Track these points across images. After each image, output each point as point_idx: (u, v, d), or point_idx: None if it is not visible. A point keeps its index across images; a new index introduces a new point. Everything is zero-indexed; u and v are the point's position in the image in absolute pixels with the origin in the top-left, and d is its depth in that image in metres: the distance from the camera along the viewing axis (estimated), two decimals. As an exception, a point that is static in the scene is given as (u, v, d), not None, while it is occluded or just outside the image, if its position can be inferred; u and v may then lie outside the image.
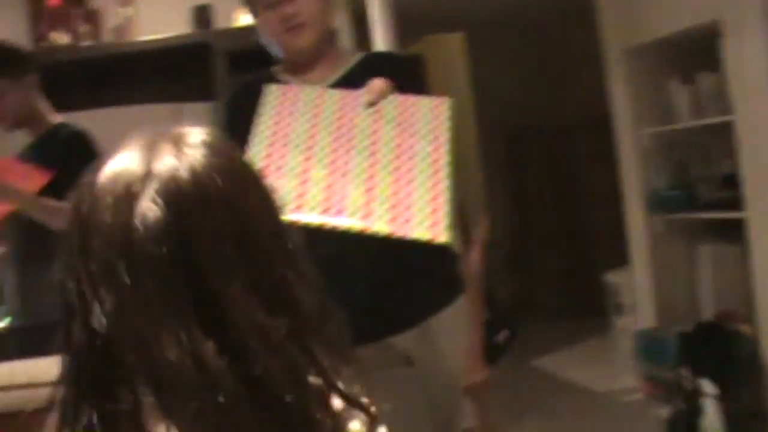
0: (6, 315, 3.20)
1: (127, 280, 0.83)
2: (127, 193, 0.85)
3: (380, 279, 2.03)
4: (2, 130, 2.99)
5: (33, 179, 2.74)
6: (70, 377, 0.86)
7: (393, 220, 1.66)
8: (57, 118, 3.03)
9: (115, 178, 0.87)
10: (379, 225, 1.66)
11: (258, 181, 0.94)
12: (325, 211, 1.67)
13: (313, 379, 0.87)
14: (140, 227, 0.83)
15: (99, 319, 0.84)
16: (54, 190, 2.72)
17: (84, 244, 0.86)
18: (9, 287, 2.99)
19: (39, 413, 1.68)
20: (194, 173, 0.86)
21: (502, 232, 7.04)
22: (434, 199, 1.70)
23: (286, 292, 0.88)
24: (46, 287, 2.75)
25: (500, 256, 7.12)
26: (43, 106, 3.00)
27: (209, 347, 0.81)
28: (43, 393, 1.66)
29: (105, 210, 0.85)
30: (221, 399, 0.80)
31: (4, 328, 3.34)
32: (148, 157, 0.87)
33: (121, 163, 0.88)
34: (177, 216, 0.84)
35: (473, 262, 2.54)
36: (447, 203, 1.70)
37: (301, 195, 1.68)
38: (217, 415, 0.80)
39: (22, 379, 1.72)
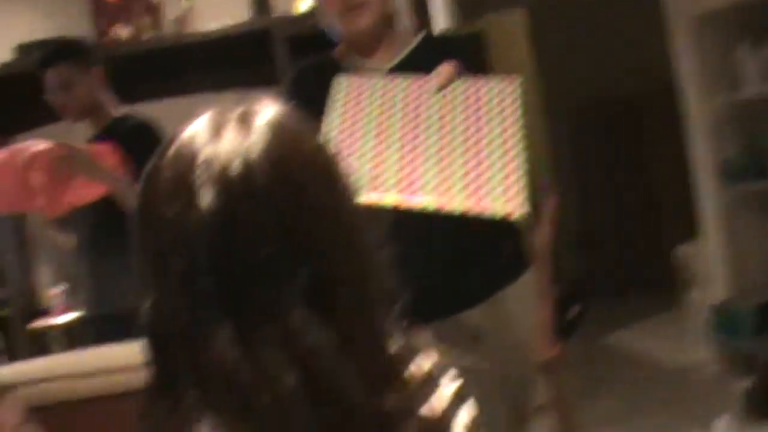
0: (80, 305, 3.26)
1: (177, 273, 0.81)
2: (183, 181, 0.82)
3: (446, 256, 2.03)
4: (67, 120, 3.04)
5: (120, 165, 2.77)
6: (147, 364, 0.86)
7: (469, 197, 1.67)
8: (121, 109, 3.07)
9: (175, 163, 0.84)
10: (455, 203, 1.67)
11: (325, 167, 0.88)
12: (400, 191, 1.68)
13: (380, 367, 0.84)
14: (191, 218, 0.80)
15: (148, 311, 0.83)
16: None
17: (143, 232, 0.85)
18: (83, 278, 3.04)
19: (118, 399, 1.72)
20: (248, 163, 0.82)
21: (570, 208, 6.96)
22: (509, 175, 1.70)
23: (341, 286, 0.84)
24: (118, 277, 2.81)
25: (569, 233, 7.05)
26: (108, 97, 3.04)
27: (260, 345, 0.79)
28: (122, 379, 1.69)
29: (162, 198, 0.83)
30: (271, 397, 0.78)
31: (79, 318, 3.40)
32: (209, 139, 0.84)
33: (184, 145, 0.85)
34: (226, 208, 0.80)
35: (541, 237, 2.52)
36: (521, 179, 1.70)
37: (375, 176, 1.69)
38: (268, 412, 0.78)
39: (101, 365, 1.75)
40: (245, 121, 0.86)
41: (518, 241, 2.16)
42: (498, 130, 1.79)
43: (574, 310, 2.89)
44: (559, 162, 6.70)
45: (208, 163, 0.82)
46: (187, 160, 0.83)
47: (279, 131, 0.86)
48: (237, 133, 0.84)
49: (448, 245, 2.02)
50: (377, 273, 0.88)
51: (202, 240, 0.80)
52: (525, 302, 2.16)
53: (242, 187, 0.81)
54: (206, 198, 0.80)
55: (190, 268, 0.80)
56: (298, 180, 0.84)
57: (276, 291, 0.80)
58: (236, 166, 0.82)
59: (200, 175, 0.82)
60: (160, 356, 0.83)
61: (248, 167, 0.82)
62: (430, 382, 0.89)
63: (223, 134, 0.85)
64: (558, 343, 2.72)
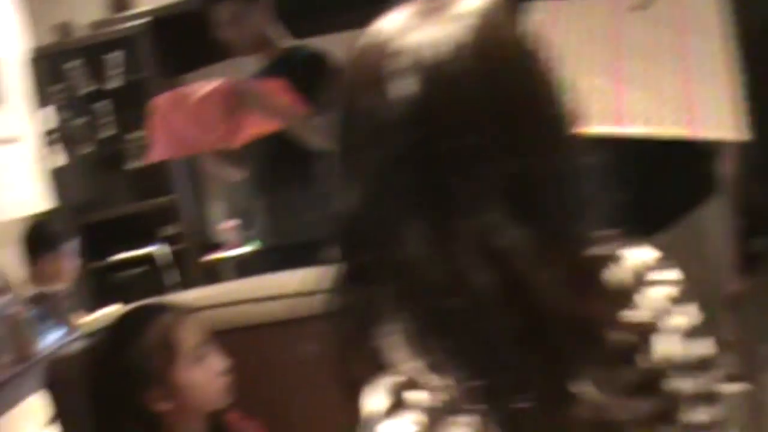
0: (254, 238, 3.31)
1: (372, 166, 0.78)
2: (381, 71, 0.78)
3: (635, 178, 1.94)
4: (237, 54, 3.05)
5: (291, 100, 2.77)
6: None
7: (679, 121, 1.56)
8: (291, 42, 3.07)
9: (372, 53, 0.80)
10: (666, 128, 1.56)
11: (532, 60, 0.83)
12: (608, 120, 1.59)
13: (580, 271, 0.79)
14: (389, 109, 0.76)
15: (343, 205, 0.80)
16: None
17: (340, 125, 0.82)
18: (257, 211, 3.08)
19: (296, 324, 1.72)
20: (450, 51, 0.76)
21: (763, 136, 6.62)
22: (721, 95, 1.58)
23: (544, 184, 0.78)
24: (293, 209, 2.82)
25: (759, 162, 6.71)
26: (277, 31, 3.04)
27: (454, 242, 0.74)
28: (300, 304, 1.69)
29: (359, 89, 0.80)
30: (463, 298, 0.74)
31: (251, 252, 3.47)
32: (409, 28, 0.79)
33: (382, 34, 0.81)
34: (425, 98, 0.76)
35: (728, 162, 2.38)
36: (736, 98, 1.58)
37: (584, 106, 1.61)
38: (459, 313, 0.74)
39: (280, 290, 1.76)
40: (447, 9, 0.80)
41: (707, 165, 2.04)
42: (704, 48, 1.66)
43: (762, 241, 2.73)
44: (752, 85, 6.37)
45: (408, 51, 0.77)
46: (385, 48, 0.79)
47: (484, 19, 0.80)
48: (439, 20, 0.79)
49: (637, 169, 1.93)
50: (582, 176, 0.82)
51: (399, 131, 0.76)
52: (710, 233, 2.05)
53: (443, 76, 0.76)
54: (404, 87, 0.76)
55: (385, 161, 0.77)
56: (503, 70, 0.79)
57: (474, 186, 0.75)
58: (438, 54, 0.77)
59: (399, 63, 0.77)
60: (352, 253, 0.81)
61: (450, 55, 0.77)
62: (636, 288, 0.83)
63: (424, 22, 0.80)
64: (743, 277, 2.58)
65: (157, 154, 2.80)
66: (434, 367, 0.75)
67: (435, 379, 0.75)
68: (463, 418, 0.74)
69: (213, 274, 4.55)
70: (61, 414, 1.86)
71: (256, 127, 2.78)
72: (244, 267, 4.25)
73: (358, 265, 0.81)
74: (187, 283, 4.40)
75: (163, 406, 1.62)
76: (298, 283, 1.73)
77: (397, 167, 0.76)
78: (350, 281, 0.81)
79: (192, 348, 1.63)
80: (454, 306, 0.74)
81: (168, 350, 1.61)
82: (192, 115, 2.70)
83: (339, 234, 0.82)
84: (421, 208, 0.76)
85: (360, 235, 0.79)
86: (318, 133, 2.76)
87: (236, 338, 1.72)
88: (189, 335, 1.64)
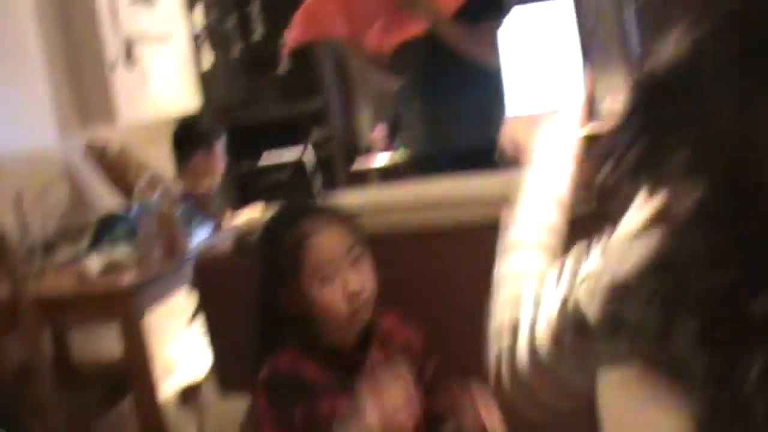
0: (404, 145, 3.22)
1: (700, 24, 0.72)
2: None
3: None
4: None
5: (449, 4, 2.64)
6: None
7: None
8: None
9: None
10: None
11: None
12: None
13: None
14: None
15: (658, 59, 0.74)
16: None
17: None
18: (410, 118, 2.97)
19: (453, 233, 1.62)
20: None
21: None
22: None
23: None
24: (449, 116, 2.68)
25: None
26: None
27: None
28: (462, 213, 1.59)
29: None
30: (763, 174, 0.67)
31: (402, 158, 3.38)
32: None
33: None
34: None
35: None
36: None
37: None
38: (750, 187, 0.68)
39: (446, 196, 1.67)
40: None
41: None
42: None
43: None
44: None
45: None
46: None
47: None
48: None
49: None
50: None
51: None
52: None
53: None
54: None
55: (714, 21, 0.71)
56: None
57: None
58: None
59: None
60: (652, 109, 0.74)
61: None
62: None
63: None
64: None
65: (296, 37, 2.73)
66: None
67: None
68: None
69: (360, 179, 4.50)
70: (206, 309, 1.86)
71: (408, 29, 2.66)
72: (392, 173, 4.18)
73: (657, 117, 0.74)
74: (333, 189, 4.37)
75: (298, 311, 1.57)
76: (457, 191, 1.64)
77: (724, 27, 0.71)
78: (645, 134, 0.75)
79: (318, 264, 1.54)
80: (746, 176, 0.68)
81: (295, 262, 1.55)
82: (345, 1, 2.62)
83: (642, 86, 0.76)
84: (738, 72, 0.70)
85: (664, 87, 0.74)
86: (477, 44, 2.62)
87: (395, 244, 1.65)
88: (320, 250, 1.55)
